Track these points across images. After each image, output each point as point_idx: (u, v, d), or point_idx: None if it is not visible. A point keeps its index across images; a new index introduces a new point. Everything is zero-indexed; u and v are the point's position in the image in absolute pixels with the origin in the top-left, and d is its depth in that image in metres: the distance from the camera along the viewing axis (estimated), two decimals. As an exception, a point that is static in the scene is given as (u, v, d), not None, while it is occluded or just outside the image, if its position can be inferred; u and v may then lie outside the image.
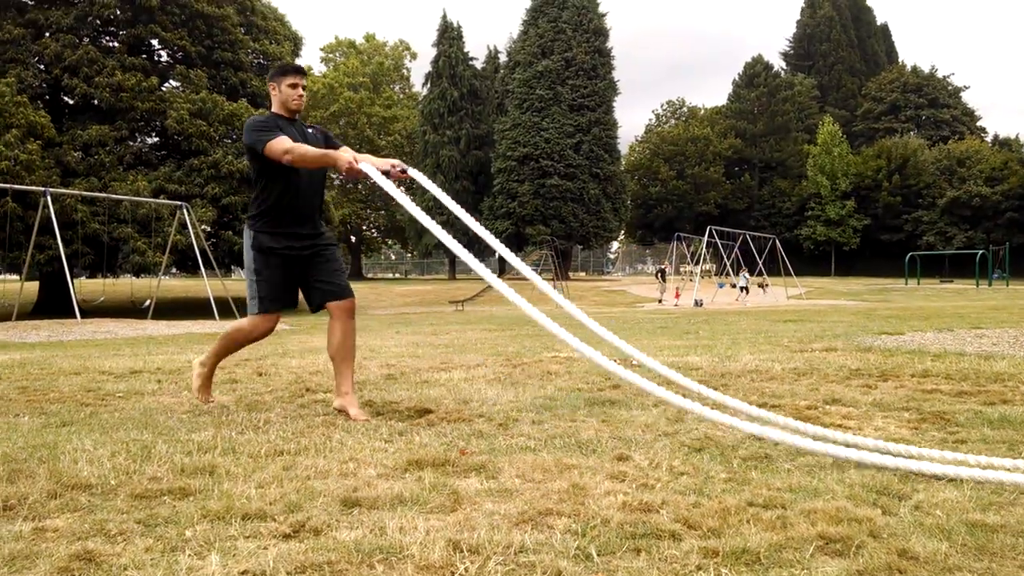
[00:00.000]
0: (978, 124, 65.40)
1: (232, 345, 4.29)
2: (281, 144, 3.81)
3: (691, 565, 1.83)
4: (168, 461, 2.85)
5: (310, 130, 4.18)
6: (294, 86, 4.06)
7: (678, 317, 16.41)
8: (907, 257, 43.47)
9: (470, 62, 55.16)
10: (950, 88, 64.37)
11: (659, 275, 33.68)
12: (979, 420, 3.55)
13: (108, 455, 2.93)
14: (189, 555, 1.91)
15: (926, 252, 47.89)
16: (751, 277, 31.64)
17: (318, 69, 62.73)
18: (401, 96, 64.08)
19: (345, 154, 3.91)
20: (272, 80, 4.13)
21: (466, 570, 1.80)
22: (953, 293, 31.95)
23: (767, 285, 32.54)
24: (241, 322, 4.20)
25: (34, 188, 19.52)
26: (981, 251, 41.25)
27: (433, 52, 54.13)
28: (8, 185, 19.13)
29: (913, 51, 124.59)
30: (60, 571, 1.81)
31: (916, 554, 1.87)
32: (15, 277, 25.90)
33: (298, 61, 34.56)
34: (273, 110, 4.11)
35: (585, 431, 3.40)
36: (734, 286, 32.41)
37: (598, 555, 1.89)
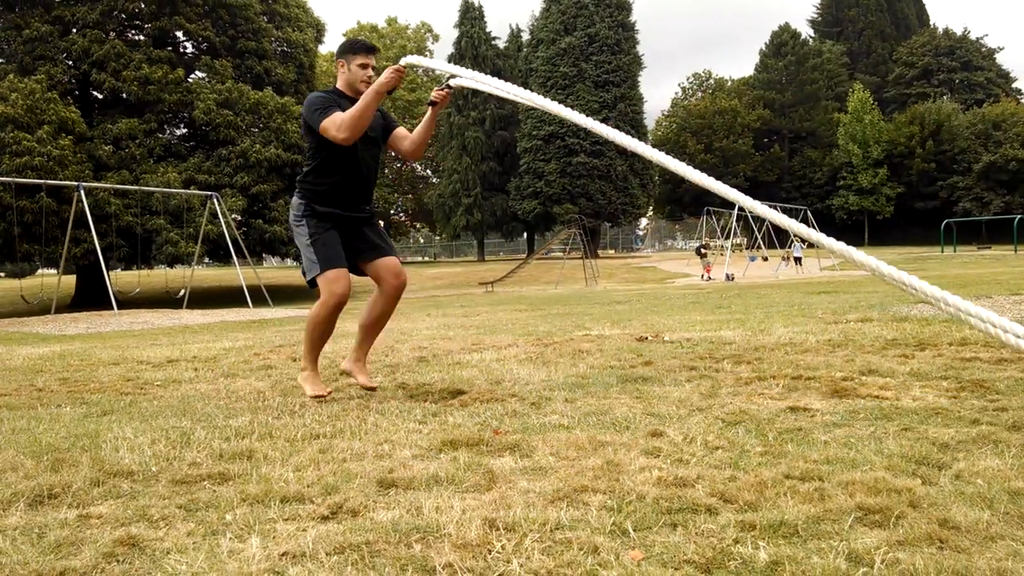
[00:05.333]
0: (1013, 86, 63.79)
1: (318, 330, 3.95)
2: (334, 121, 3.63)
3: (728, 539, 1.82)
4: (207, 447, 2.89)
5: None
6: (364, 66, 3.83)
7: (710, 292, 16.30)
8: (943, 224, 42.72)
9: (492, 42, 54.90)
10: (984, 50, 62.80)
11: (699, 252, 33.00)
12: (1020, 387, 3.49)
13: (148, 442, 2.98)
14: (230, 538, 1.94)
15: (962, 219, 46.99)
16: (766, 250, 31.59)
17: (341, 55, 62.81)
18: (425, 79, 64.02)
19: (381, 76, 3.65)
20: (340, 56, 3.88)
21: (503, 548, 1.81)
22: (991, 259, 31.35)
23: (767, 258, 32.49)
24: (314, 307, 3.95)
25: (67, 183, 19.83)
26: (1019, 216, 40.36)
27: (455, 33, 54.00)
28: (42, 181, 19.45)
29: (945, 13, 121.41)
30: (105, 557, 1.84)
31: (957, 523, 1.85)
32: (53, 271, 26.38)
33: (320, 48, 34.61)
34: (337, 86, 3.90)
35: (618, 408, 3.40)
36: (765, 259, 32.14)
37: (634, 530, 1.89)
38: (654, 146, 3.15)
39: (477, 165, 52.26)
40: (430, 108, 3.90)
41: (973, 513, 1.91)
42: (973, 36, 62.64)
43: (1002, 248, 40.87)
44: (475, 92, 51.79)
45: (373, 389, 4.03)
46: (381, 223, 4.26)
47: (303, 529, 1.99)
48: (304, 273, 3.94)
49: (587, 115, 3.26)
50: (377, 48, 4.05)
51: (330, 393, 3.99)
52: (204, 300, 24.53)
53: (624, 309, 10.64)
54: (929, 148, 54.37)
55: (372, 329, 4.08)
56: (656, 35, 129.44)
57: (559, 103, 3.30)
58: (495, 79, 3.68)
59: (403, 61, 3.75)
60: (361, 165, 3.92)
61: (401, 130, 4.12)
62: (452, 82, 3.81)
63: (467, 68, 3.92)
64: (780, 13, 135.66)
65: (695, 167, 2.92)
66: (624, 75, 49.74)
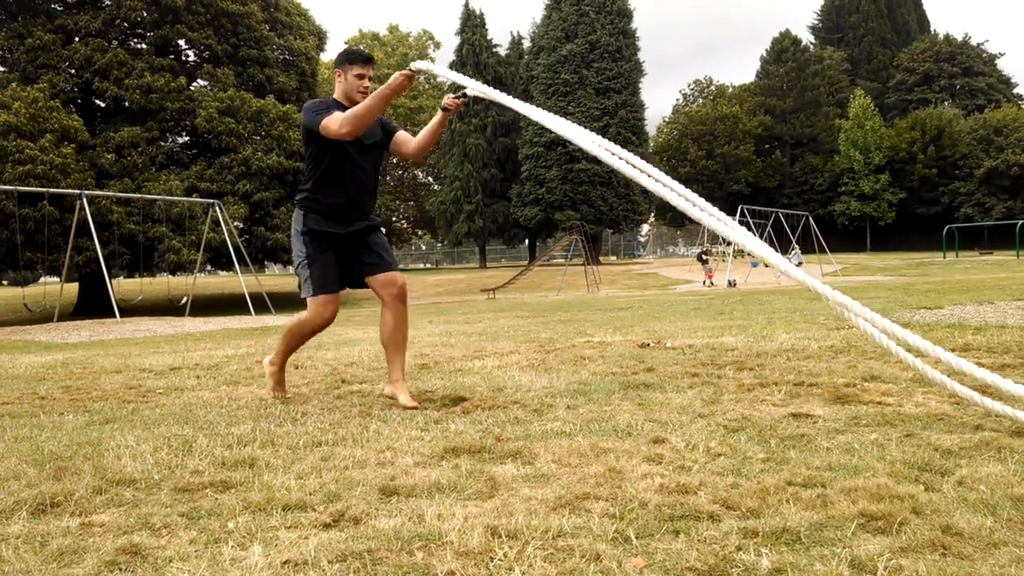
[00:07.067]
0: (1014, 92, 63.87)
1: (296, 339, 4.21)
2: (335, 119, 3.66)
3: (731, 546, 1.81)
4: (209, 455, 2.89)
5: None
6: (361, 76, 3.87)
7: (712, 298, 16.29)
8: (945, 230, 42.68)
9: (494, 49, 54.98)
10: (984, 56, 62.84)
11: (701, 258, 32.28)
12: (1023, 393, 3.48)
13: (151, 450, 2.98)
14: (232, 546, 1.94)
15: (964, 224, 46.95)
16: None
17: (343, 63, 62.94)
18: (426, 86, 64.15)
19: (390, 79, 3.65)
20: (338, 66, 3.92)
21: (505, 555, 1.81)
22: (993, 265, 31.32)
23: (769, 264, 32.31)
24: (300, 314, 4.12)
25: (70, 191, 19.84)
26: (1021, 221, 40.29)
27: (456, 41, 54.10)
28: (45, 189, 19.47)
29: (945, 19, 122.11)
30: (107, 565, 1.85)
31: (960, 530, 1.85)
32: (55, 279, 26.41)
33: (322, 56, 34.67)
34: (335, 96, 3.94)
35: (620, 415, 3.39)
36: (767, 265, 32.09)
37: (636, 538, 1.89)
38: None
39: (479, 172, 52.29)
40: (440, 112, 3.92)
41: (976, 519, 1.90)
42: (974, 42, 62.74)
43: (1004, 253, 40.82)
44: (476, 99, 51.84)
45: (415, 408, 3.79)
46: (383, 230, 4.25)
47: (305, 537, 1.99)
48: (299, 287, 4.06)
49: (588, 122, 3.32)
50: (374, 59, 4.07)
51: (284, 395, 4.30)
52: (206, 308, 24.55)
53: (626, 315, 10.64)
54: (931, 154, 54.35)
55: (391, 345, 4.02)
56: (657, 42, 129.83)
57: (560, 111, 3.37)
58: (504, 95, 3.75)
59: (412, 66, 3.78)
60: (360, 173, 3.94)
61: (402, 134, 4.14)
62: (467, 91, 3.84)
63: (469, 76, 3.94)
64: (781, 20, 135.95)
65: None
66: (625, 82, 49.78)
